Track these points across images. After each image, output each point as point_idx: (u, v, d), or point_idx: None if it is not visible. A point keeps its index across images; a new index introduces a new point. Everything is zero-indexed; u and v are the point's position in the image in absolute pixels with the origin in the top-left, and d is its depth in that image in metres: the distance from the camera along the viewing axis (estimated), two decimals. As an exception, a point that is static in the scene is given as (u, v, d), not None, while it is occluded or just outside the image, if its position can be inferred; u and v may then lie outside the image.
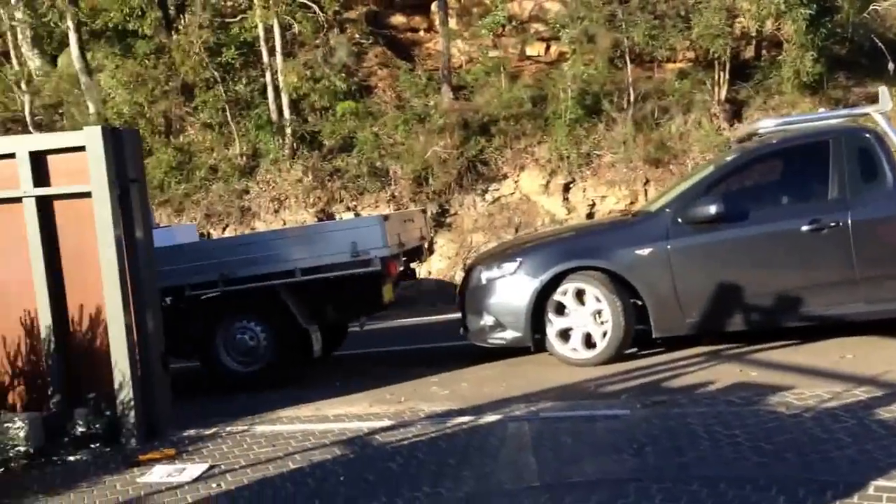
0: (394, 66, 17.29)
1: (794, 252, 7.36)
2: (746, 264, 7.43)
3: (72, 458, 6.14)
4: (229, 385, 8.10)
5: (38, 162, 6.60)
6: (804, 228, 7.25)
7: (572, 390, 6.75)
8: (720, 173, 7.86)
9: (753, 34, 15.85)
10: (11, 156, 6.61)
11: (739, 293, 7.34)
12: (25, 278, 6.61)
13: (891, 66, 14.26)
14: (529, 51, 17.44)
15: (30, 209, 6.58)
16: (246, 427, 6.51)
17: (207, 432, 6.45)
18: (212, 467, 5.60)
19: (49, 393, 6.64)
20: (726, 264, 7.45)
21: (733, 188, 7.82)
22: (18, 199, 6.61)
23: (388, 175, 15.35)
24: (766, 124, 8.36)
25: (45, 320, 6.59)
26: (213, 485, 5.28)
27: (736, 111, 15.14)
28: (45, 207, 6.61)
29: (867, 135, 7.56)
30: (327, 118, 16.18)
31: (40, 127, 16.91)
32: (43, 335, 6.59)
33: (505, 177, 15.25)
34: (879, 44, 14.72)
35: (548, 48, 17.45)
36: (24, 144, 6.70)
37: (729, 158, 8.16)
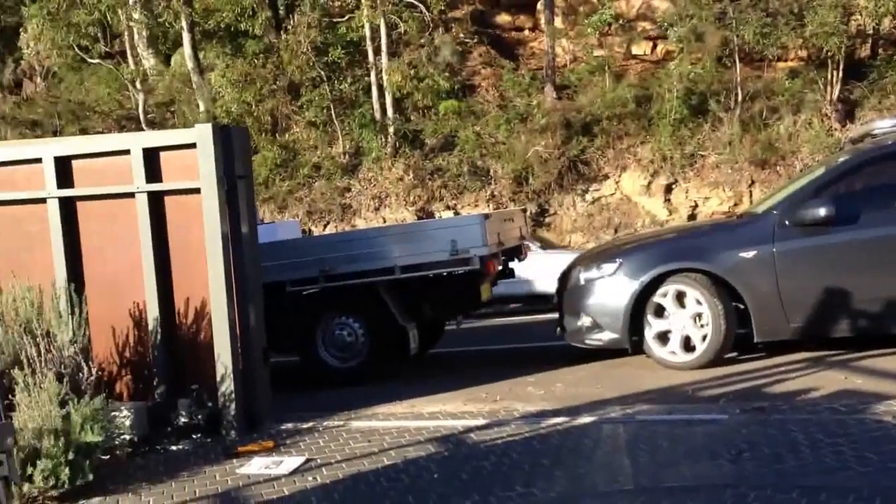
0: (497, 66, 17.31)
1: (907, 257, 7.07)
2: (856, 269, 7.17)
3: (174, 448, 6.31)
4: (327, 380, 8.22)
5: (151, 158, 6.81)
6: (919, 233, 6.95)
7: (669, 393, 6.63)
8: (831, 175, 7.58)
9: (870, 32, 15.29)
10: (126, 152, 6.84)
11: (847, 298, 7.09)
12: (135, 271, 6.83)
13: None
14: (635, 50, 17.23)
15: (142, 204, 6.79)
16: (342, 422, 6.58)
17: (305, 426, 6.54)
18: (308, 461, 5.67)
19: (154, 383, 6.84)
20: (835, 268, 7.20)
21: (845, 190, 7.52)
22: (131, 195, 6.83)
23: (488, 174, 15.37)
24: (882, 125, 8.02)
25: (152, 312, 6.78)
26: (310, 478, 5.35)
27: (849, 111, 14.63)
28: (156, 202, 6.82)
29: None
30: (429, 117, 16.30)
31: (153, 124, 17.51)
32: (150, 327, 6.79)
33: (606, 177, 15.10)
34: None
35: (654, 47, 17.21)
36: (138, 141, 6.93)
37: (841, 160, 7.87)
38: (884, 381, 6.37)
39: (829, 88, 14.68)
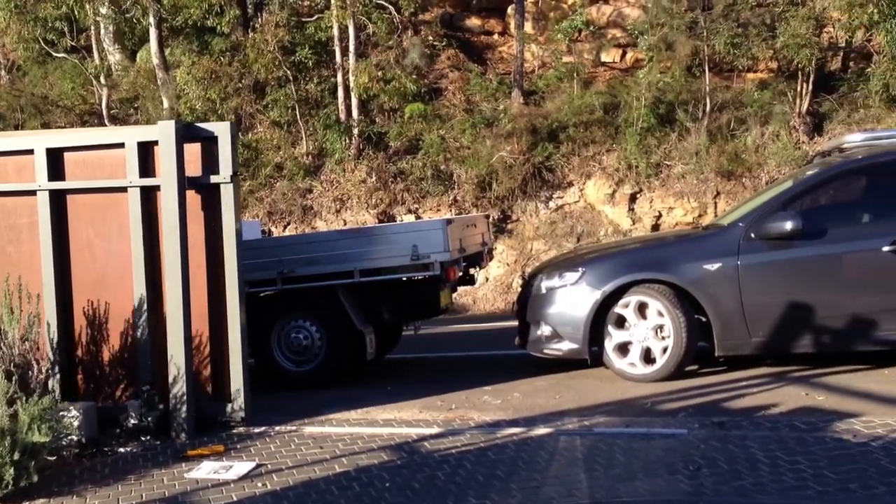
0: (465, 69, 17.22)
1: (872, 273, 7.03)
2: (821, 284, 7.11)
3: (122, 450, 6.18)
4: (281, 383, 8.06)
5: (146, 153, 6.62)
6: (885, 249, 6.89)
7: (628, 406, 6.55)
8: (799, 188, 7.53)
9: (842, 45, 15.36)
10: (120, 146, 6.64)
11: (811, 314, 7.04)
12: (125, 268, 6.65)
13: None
14: (604, 57, 17.20)
15: (134, 199, 6.59)
16: (294, 427, 6.46)
17: (256, 430, 6.42)
18: (259, 466, 5.56)
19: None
20: (799, 283, 7.14)
21: (812, 204, 7.47)
22: (123, 189, 6.63)
23: (451, 179, 15.27)
24: (852, 139, 7.99)
25: (137, 305, 6.60)
26: (259, 484, 5.24)
27: (817, 124, 14.67)
28: (147, 197, 6.63)
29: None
30: (395, 119, 16.18)
31: (115, 120, 17.26)
32: (137, 322, 6.61)
33: (570, 184, 15.04)
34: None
35: (623, 55, 17.19)
36: (133, 135, 6.71)
37: (810, 173, 7.81)
38: (845, 398, 6.33)
39: (798, 101, 14.69)
